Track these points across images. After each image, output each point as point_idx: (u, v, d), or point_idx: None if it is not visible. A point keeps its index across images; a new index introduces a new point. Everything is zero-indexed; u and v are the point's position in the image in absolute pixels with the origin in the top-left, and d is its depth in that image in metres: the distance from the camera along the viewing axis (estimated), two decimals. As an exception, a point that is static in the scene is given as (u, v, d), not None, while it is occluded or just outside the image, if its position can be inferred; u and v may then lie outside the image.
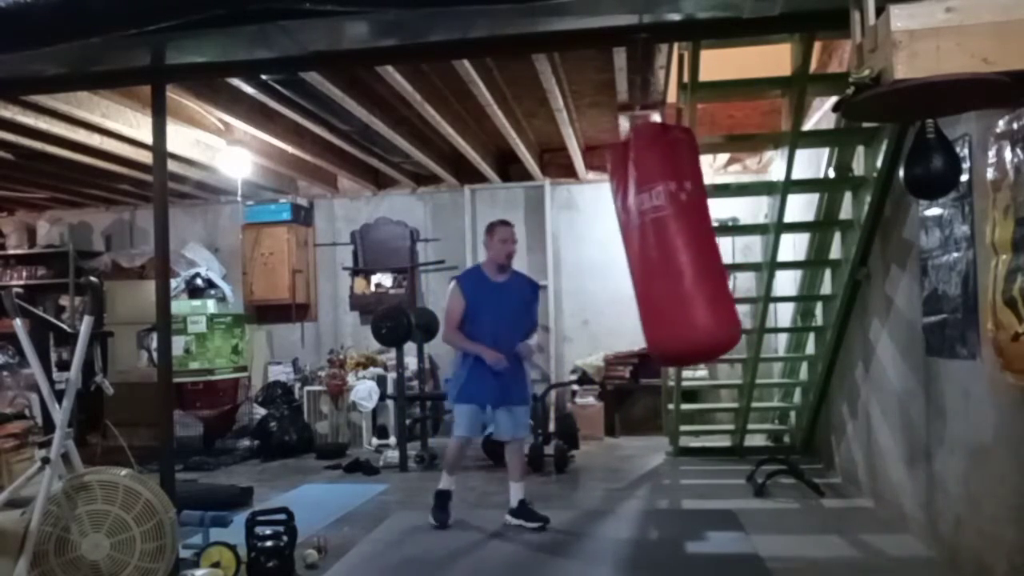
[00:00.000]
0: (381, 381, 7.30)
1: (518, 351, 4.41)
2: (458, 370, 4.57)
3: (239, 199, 7.72)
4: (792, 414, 6.21)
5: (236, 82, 4.73)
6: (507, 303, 4.45)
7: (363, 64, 4.40)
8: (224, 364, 7.26)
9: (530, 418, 4.78)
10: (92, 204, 8.47)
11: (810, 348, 5.76)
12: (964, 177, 3.08)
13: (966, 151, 3.14)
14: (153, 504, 3.06)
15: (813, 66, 4.16)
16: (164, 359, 3.69)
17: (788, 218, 4.84)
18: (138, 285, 7.62)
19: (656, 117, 5.43)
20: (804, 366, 6.03)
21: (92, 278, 3.51)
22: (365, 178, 7.87)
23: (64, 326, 6.45)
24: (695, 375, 7.16)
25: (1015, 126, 2.73)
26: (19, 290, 7.26)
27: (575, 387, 7.42)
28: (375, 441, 7.07)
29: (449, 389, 4.98)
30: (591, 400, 7.38)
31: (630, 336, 6.73)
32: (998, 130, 2.84)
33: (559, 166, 7.66)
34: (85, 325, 3.15)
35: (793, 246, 5.91)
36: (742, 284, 7.33)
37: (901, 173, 2.63)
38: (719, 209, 6.76)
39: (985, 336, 2.95)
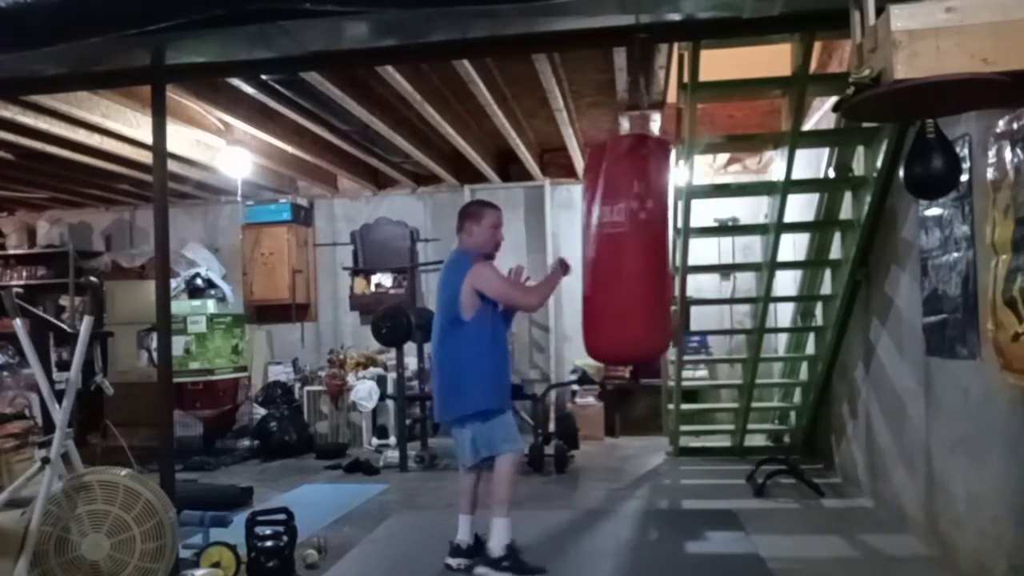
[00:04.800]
0: (381, 381, 7.29)
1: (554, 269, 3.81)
2: (481, 367, 3.57)
3: (239, 199, 7.72)
4: (792, 414, 6.21)
5: (236, 82, 4.72)
6: None
7: (363, 64, 4.40)
8: (224, 364, 7.26)
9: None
10: (92, 204, 8.46)
11: (810, 348, 5.76)
12: (964, 177, 3.08)
13: (966, 151, 3.14)
14: (153, 504, 3.06)
15: (813, 66, 4.16)
16: (164, 359, 3.68)
17: (788, 218, 4.84)
18: (138, 285, 7.61)
19: (656, 117, 5.45)
20: (804, 366, 6.02)
21: (92, 278, 3.51)
22: (365, 178, 7.87)
23: (64, 326, 6.43)
24: (695, 375, 7.16)
25: (1015, 126, 2.73)
26: (19, 290, 7.21)
27: (575, 387, 7.41)
28: (375, 441, 7.07)
29: (479, 393, 3.60)
30: (591, 400, 7.38)
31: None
32: (998, 130, 2.84)
33: (559, 166, 7.66)
34: (85, 325, 3.15)
35: (793, 246, 5.91)
36: (742, 284, 7.35)
37: (901, 173, 2.63)
38: (719, 209, 6.80)
39: (985, 336, 2.95)
